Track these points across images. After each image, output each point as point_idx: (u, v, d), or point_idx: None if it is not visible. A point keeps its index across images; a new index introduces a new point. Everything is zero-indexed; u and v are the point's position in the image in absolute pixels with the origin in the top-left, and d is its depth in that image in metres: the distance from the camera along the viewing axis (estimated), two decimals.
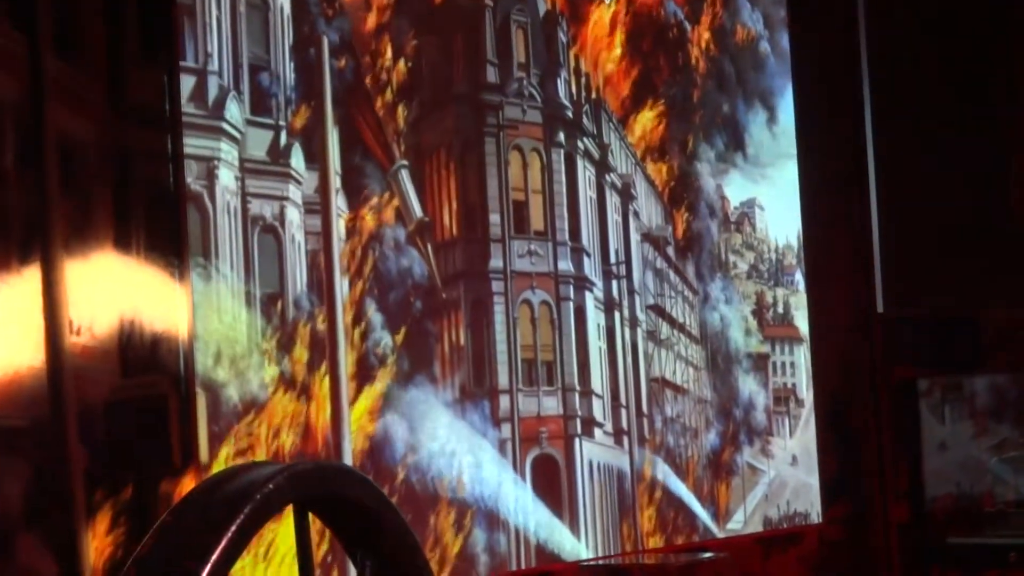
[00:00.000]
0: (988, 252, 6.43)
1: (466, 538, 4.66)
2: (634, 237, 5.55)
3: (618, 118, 5.53)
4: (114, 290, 3.64)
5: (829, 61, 6.52)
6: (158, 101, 3.83)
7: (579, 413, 5.15)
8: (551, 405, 5.06)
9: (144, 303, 3.69)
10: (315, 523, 1.95)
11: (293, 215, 4.25)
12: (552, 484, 5.03)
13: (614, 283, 5.42)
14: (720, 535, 5.78)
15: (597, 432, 5.23)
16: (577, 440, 5.13)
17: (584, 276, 5.25)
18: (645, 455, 5.45)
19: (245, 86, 4.15)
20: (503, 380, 4.87)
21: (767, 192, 6.30)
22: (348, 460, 4.27)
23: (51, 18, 3.54)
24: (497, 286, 4.92)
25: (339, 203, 4.38)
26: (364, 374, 4.40)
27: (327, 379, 4.27)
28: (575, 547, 5.06)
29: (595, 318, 5.28)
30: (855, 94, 6.48)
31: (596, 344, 5.27)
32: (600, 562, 5.13)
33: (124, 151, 3.73)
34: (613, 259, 5.42)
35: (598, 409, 5.25)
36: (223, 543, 1.72)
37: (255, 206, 4.14)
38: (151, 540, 1.77)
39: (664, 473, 5.54)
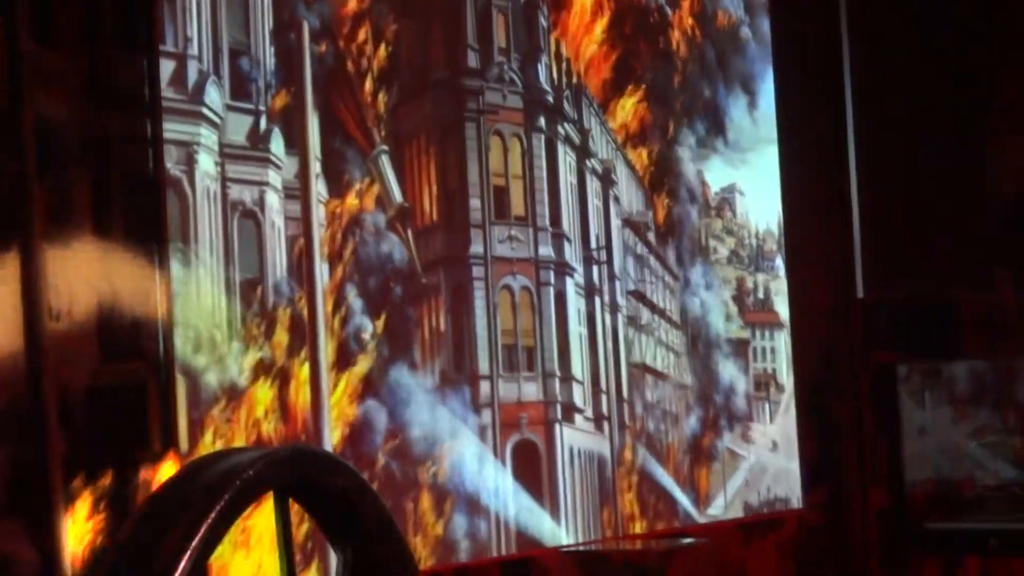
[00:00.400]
0: (968, 238, 6.44)
1: (446, 524, 4.65)
2: (615, 223, 5.55)
3: (599, 103, 5.52)
4: (93, 275, 3.62)
5: (810, 46, 6.52)
6: (138, 85, 3.81)
7: (559, 399, 5.15)
8: (531, 391, 5.05)
9: (123, 288, 3.67)
10: (296, 509, 1.94)
11: (273, 200, 4.23)
12: (532, 470, 5.03)
13: (594, 269, 5.41)
14: (701, 521, 5.79)
15: (577, 418, 5.23)
16: (557, 426, 5.13)
17: (564, 262, 5.25)
18: (625, 441, 5.45)
19: (225, 71, 4.13)
20: (483, 366, 4.86)
21: (747, 177, 6.30)
22: (328, 446, 4.26)
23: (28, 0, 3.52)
24: (477, 272, 4.91)
25: (319, 188, 4.37)
26: (344, 360, 4.39)
27: (307, 365, 4.26)
28: (555, 533, 5.06)
29: (575, 304, 5.28)
30: (836, 79, 6.48)
31: (576, 330, 5.27)
32: (581, 548, 5.14)
33: (103, 136, 3.71)
34: (594, 245, 5.42)
35: (578, 395, 5.25)
36: (203, 529, 1.71)
37: (235, 191, 4.13)
38: (131, 526, 1.76)
39: (644, 459, 5.54)
